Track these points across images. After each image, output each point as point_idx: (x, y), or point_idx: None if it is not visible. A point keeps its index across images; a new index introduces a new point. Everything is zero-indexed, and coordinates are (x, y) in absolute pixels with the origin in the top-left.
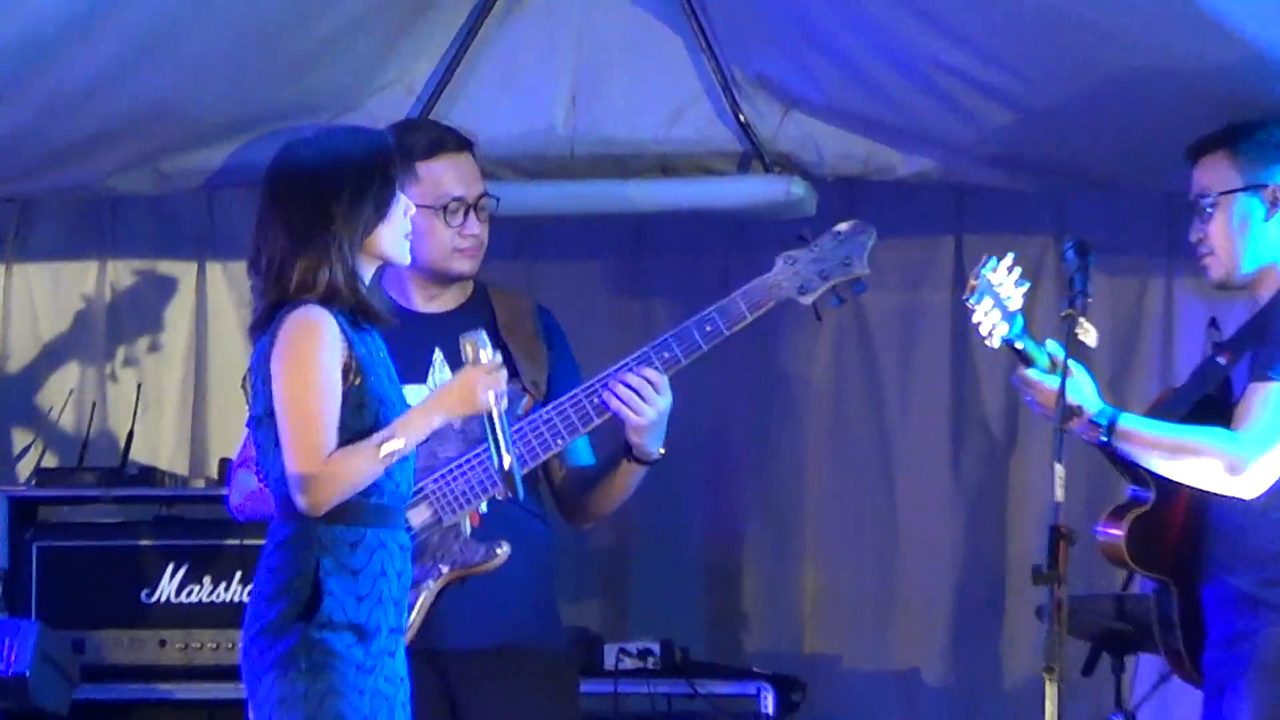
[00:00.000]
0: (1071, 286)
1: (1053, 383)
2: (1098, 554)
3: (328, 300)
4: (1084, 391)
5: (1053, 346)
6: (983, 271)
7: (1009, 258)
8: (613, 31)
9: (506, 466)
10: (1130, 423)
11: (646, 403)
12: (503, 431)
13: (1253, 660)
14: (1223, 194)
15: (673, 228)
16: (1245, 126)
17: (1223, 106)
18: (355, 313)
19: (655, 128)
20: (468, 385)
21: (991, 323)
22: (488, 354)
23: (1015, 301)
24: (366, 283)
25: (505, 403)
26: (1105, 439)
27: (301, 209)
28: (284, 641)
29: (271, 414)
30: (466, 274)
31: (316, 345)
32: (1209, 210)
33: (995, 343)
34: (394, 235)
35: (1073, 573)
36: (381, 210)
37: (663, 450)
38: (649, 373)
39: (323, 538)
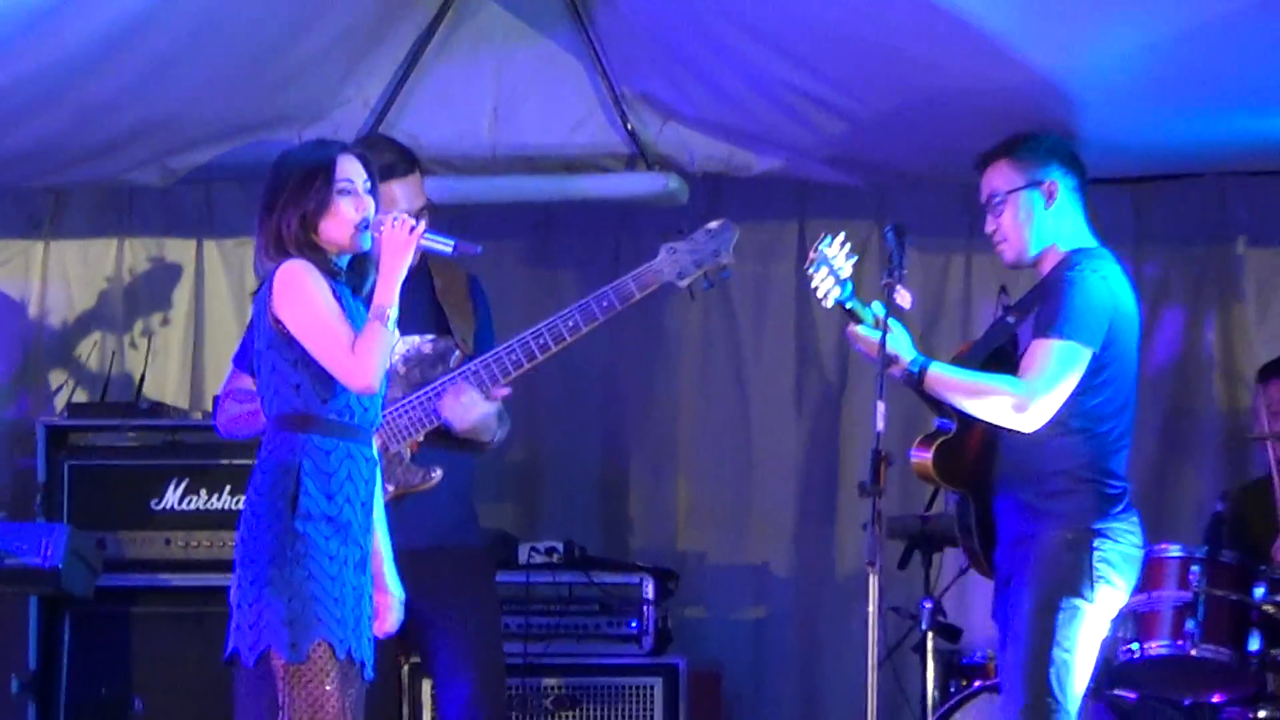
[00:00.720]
0: (890, 261)
1: (876, 336)
2: (910, 472)
3: (301, 255)
4: (901, 344)
5: (876, 308)
6: (820, 247)
7: (841, 236)
8: (526, 58)
9: (452, 249)
10: (938, 369)
11: (454, 423)
12: (435, 240)
13: (1034, 557)
14: (1009, 192)
15: (574, 214)
16: (1021, 137)
17: (1007, 119)
18: (321, 268)
19: (560, 134)
20: (394, 240)
21: (826, 288)
22: (391, 219)
23: (845, 271)
24: (343, 262)
25: (423, 225)
26: (917, 382)
27: (271, 195)
28: (273, 532)
29: (273, 347)
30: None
31: (307, 279)
32: (1000, 207)
33: (829, 304)
34: (337, 226)
35: (893, 488)
36: (320, 204)
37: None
38: (463, 396)
39: (304, 445)
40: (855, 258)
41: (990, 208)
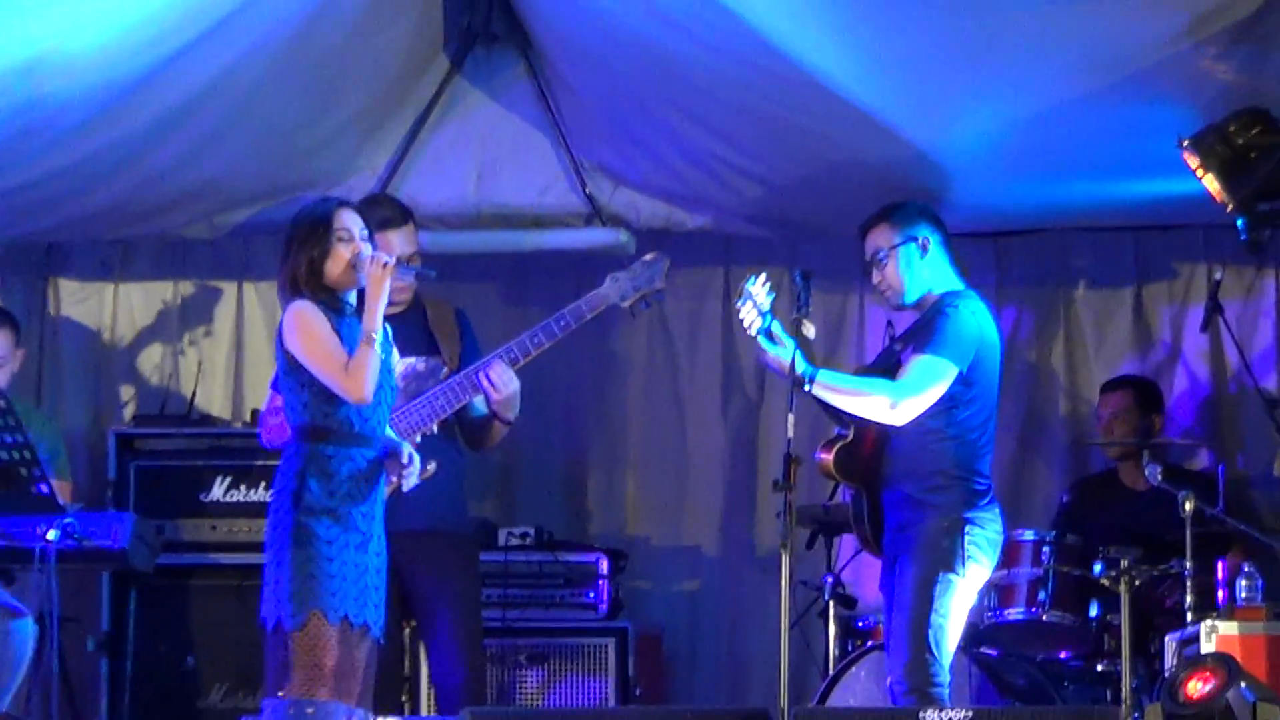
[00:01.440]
0: (798, 299)
1: (786, 356)
2: (815, 471)
3: (305, 296)
4: (798, 361)
5: (777, 329)
6: (745, 285)
7: (763, 276)
8: (504, 135)
9: (413, 275)
10: (824, 376)
11: (498, 388)
12: (401, 272)
13: (916, 540)
14: (891, 248)
15: (542, 262)
16: (895, 204)
17: (892, 184)
18: (327, 305)
19: (531, 196)
20: (373, 276)
21: (751, 318)
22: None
23: (766, 305)
24: (351, 297)
25: (393, 262)
26: (808, 386)
27: (286, 245)
28: (285, 523)
29: (286, 373)
30: (396, 308)
31: (307, 316)
32: (884, 261)
33: (753, 332)
34: (337, 267)
35: (802, 484)
36: (323, 250)
37: (514, 416)
38: (503, 368)
39: (310, 452)
40: (774, 295)
41: (875, 263)
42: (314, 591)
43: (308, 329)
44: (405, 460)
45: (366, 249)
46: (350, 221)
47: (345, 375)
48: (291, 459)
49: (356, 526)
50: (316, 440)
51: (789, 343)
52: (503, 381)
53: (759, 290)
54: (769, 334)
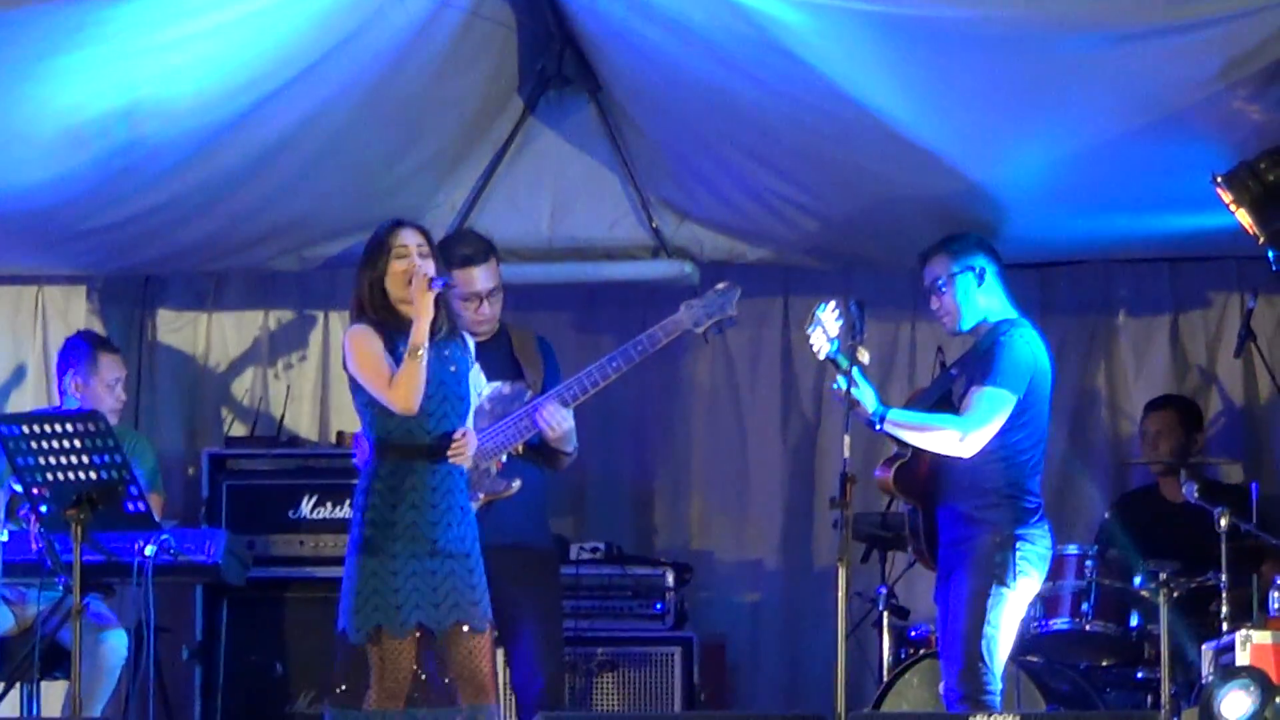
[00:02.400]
0: (854, 328)
1: (862, 395)
2: (873, 489)
3: (364, 319)
4: (867, 398)
5: (856, 373)
6: (817, 311)
7: (832, 303)
8: (576, 173)
9: (441, 285)
10: (894, 415)
11: (552, 426)
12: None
13: (969, 556)
14: (950, 276)
15: (612, 293)
16: (954, 235)
17: (944, 219)
18: (389, 327)
19: (601, 230)
20: (417, 293)
21: (820, 343)
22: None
23: (834, 331)
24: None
25: (428, 278)
26: (879, 426)
27: (357, 269)
28: (355, 537)
29: (354, 394)
30: (481, 336)
31: (357, 336)
32: (943, 289)
33: (821, 356)
34: (395, 284)
35: (857, 501)
36: (379, 270)
37: (571, 448)
38: (554, 408)
39: (376, 467)
40: (842, 321)
41: (934, 290)
42: (377, 605)
43: (358, 348)
44: (457, 436)
45: (428, 265)
46: (407, 238)
47: (390, 388)
48: (363, 475)
49: (424, 535)
50: (382, 455)
51: (865, 384)
52: (555, 420)
53: (829, 317)
54: (835, 361)
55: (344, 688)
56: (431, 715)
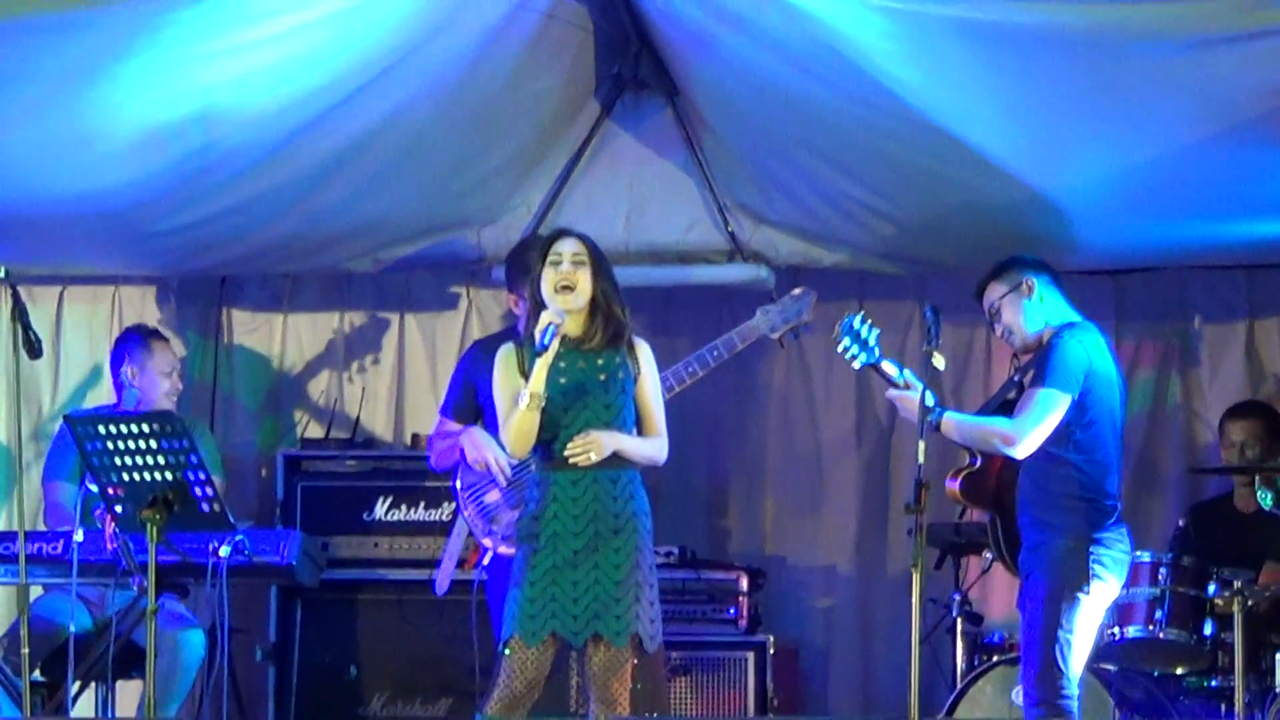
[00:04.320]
0: (929, 333)
1: (908, 395)
2: (945, 495)
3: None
4: (928, 397)
5: (909, 375)
6: (846, 322)
7: (861, 313)
8: (652, 176)
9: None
10: (949, 416)
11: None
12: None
13: (1045, 560)
14: (1001, 298)
15: (688, 296)
16: (999, 263)
17: (1014, 226)
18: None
19: (677, 234)
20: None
21: (852, 353)
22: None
23: (871, 340)
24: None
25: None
26: (935, 426)
27: None
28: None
29: None
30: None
31: (499, 362)
32: (999, 312)
33: (857, 365)
34: (545, 291)
35: (931, 507)
36: (535, 273)
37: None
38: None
39: (528, 482)
40: (877, 330)
41: (993, 316)
42: (513, 615)
43: (495, 374)
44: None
45: (582, 274)
46: (564, 247)
47: (502, 428)
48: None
49: (556, 547)
50: (537, 469)
51: (916, 384)
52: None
53: (859, 325)
54: (876, 367)
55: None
56: None
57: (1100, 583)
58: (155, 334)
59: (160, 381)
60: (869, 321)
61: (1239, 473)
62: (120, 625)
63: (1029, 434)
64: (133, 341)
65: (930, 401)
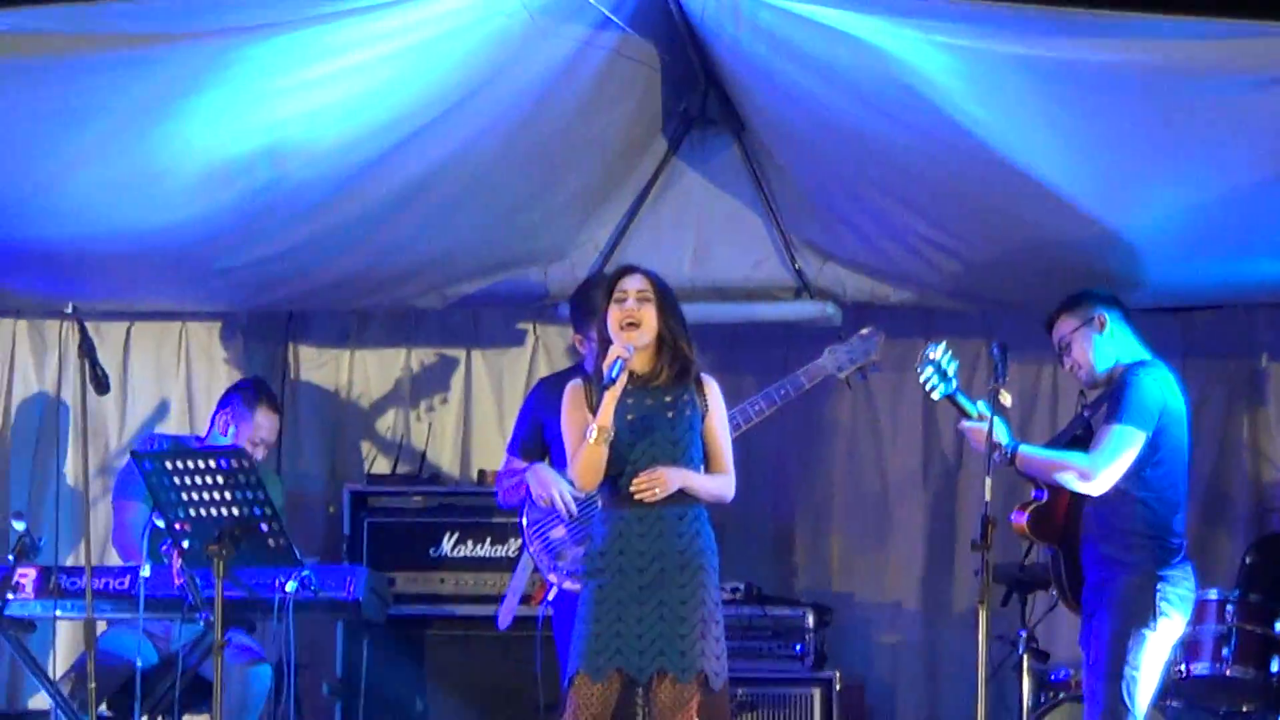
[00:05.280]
0: (995, 370)
1: (982, 427)
2: (1011, 532)
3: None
4: (1000, 433)
5: (981, 406)
6: (927, 353)
7: (943, 344)
8: (719, 213)
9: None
10: (1025, 449)
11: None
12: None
13: (1111, 597)
14: (1072, 332)
15: (754, 333)
16: (1071, 296)
17: (1082, 264)
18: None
19: (744, 271)
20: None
21: (933, 383)
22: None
23: (950, 370)
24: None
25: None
26: (1010, 460)
27: None
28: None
29: None
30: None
31: (567, 398)
32: (1069, 346)
33: (936, 396)
34: (611, 328)
35: (997, 544)
36: (602, 310)
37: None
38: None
39: (601, 513)
40: (956, 362)
41: (1063, 349)
42: (579, 651)
43: (564, 411)
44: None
45: (647, 310)
46: (627, 284)
47: (571, 463)
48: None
49: (622, 583)
50: (604, 498)
51: (989, 414)
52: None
53: (940, 356)
54: (953, 399)
55: None
56: None
57: (1166, 619)
58: (269, 400)
59: (244, 445)
60: (950, 352)
61: None
62: (188, 660)
63: (1104, 469)
64: (244, 394)
65: (1005, 436)
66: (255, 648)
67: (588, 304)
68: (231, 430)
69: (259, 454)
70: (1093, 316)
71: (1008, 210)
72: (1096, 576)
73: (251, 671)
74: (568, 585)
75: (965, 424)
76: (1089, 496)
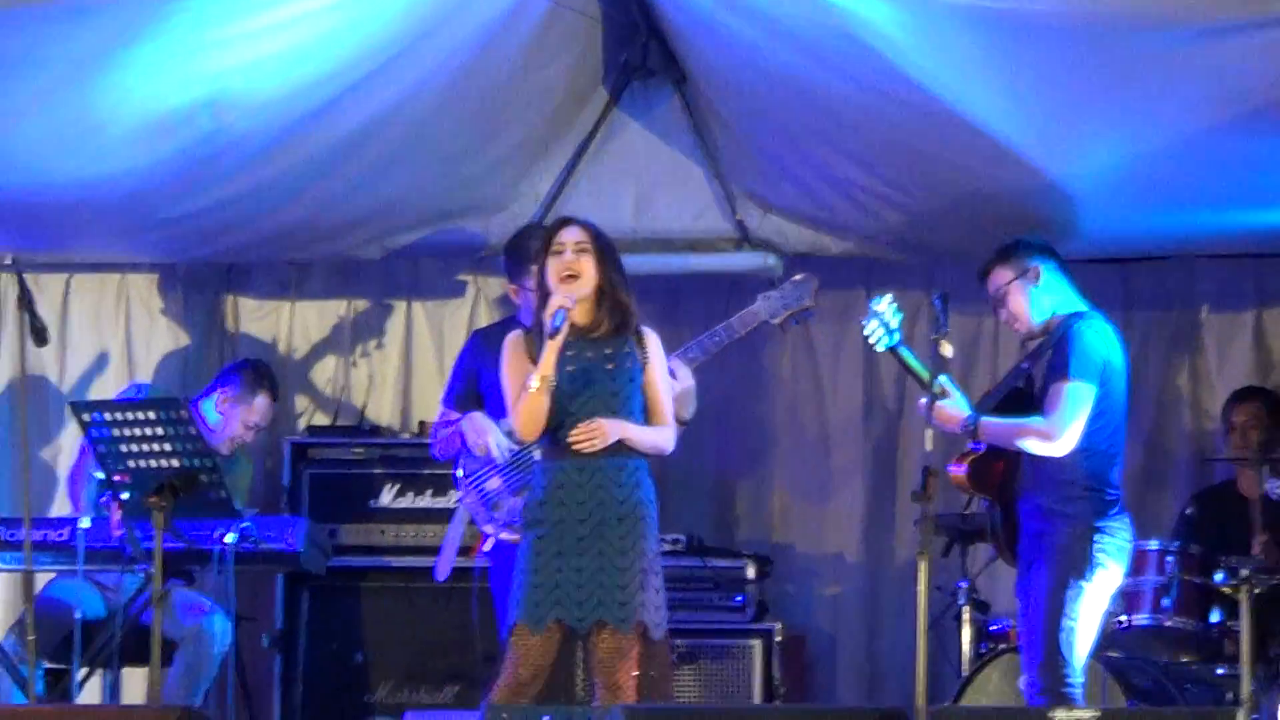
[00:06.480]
0: (937, 321)
1: (947, 408)
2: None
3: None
4: (959, 405)
5: (945, 382)
6: (872, 305)
7: (889, 296)
8: (660, 164)
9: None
10: (987, 420)
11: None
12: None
13: (1049, 548)
14: (1006, 284)
15: (696, 284)
16: (1005, 245)
17: (1022, 214)
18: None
19: (685, 222)
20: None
21: (877, 335)
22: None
23: (894, 323)
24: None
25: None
26: (972, 431)
27: None
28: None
29: None
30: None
31: (505, 350)
32: (1004, 298)
33: (880, 348)
34: (551, 280)
35: (938, 495)
36: (541, 263)
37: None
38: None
39: (541, 465)
40: (902, 315)
41: (998, 302)
42: (518, 602)
43: (505, 363)
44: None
45: (585, 261)
46: (566, 235)
47: (512, 413)
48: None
49: (561, 534)
50: (543, 450)
51: (956, 392)
52: (681, 375)
53: (885, 308)
54: (896, 352)
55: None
56: (563, 713)
57: (1103, 570)
58: (271, 385)
59: (237, 426)
60: (895, 305)
61: (1245, 462)
62: (129, 611)
63: (1067, 429)
64: (246, 375)
65: (965, 408)
66: (209, 601)
67: (521, 253)
68: (224, 404)
69: (248, 437)
70: (1027, 268)
71: (949, 161)
72: (1034, 528)
73: (208, 625)
74: (504, 536)
75: (930, 403)
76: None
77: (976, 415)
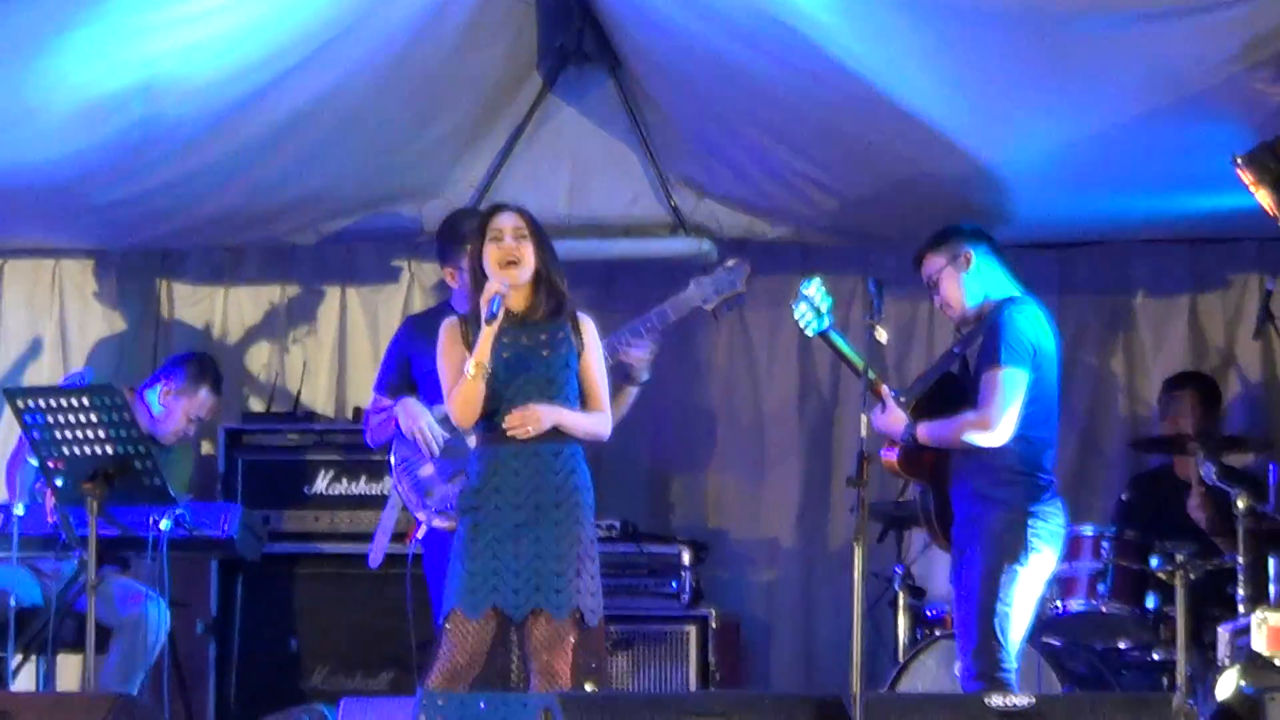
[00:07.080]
0: (872, 306)
1: (886, 417)
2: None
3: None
4: (898, 416)
5: (888, 391)
6: (801, 289)
7: (817, 280)
8: (595, 150)
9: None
10: (924, 427)
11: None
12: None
13: (982, 533)
14: (938, 271)
15: (631, 269)
16: (938, 232)
17: (957, 199)
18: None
19: (620, 208)
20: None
21: (807, 319)
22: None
23: (823, 307)
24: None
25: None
26: (910, 441)
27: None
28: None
29: None
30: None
31: (442, 335)
32: (937, 284)
33: (810, 333)
34: (490, 267)
35: (874, 481)
36: (478, 249)
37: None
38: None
39: (468, 455)
40: (832, 299)
41: (931, 287)
42: (455, 589)
43: (440, 348)
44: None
45: (524, 248)
46: (503, 221)
47: (448, 400)
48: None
49: (497, 521)
50: (478, 436)
51: (841, 343)
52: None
53: (815, 293)
54: (826, 337)
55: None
56: (499, 699)
57: (1037, 555)
58: (215, 380)
59: (180, 419)
60: (824, 289)
61: (1179, 448)
62: (63, 598)
63: (1003, 417)
64: (191, 369)
65: (901, 419)
66: (146, 589)
67: (455, 236)
68: (167, 397)
69: (190, 430)
70: (959, 254)
71: (884, 146)
72: (966, 513)
73: (148, 611)
74: (437, 523)
75: (875, 418)
76: None
77: (913, 425)
